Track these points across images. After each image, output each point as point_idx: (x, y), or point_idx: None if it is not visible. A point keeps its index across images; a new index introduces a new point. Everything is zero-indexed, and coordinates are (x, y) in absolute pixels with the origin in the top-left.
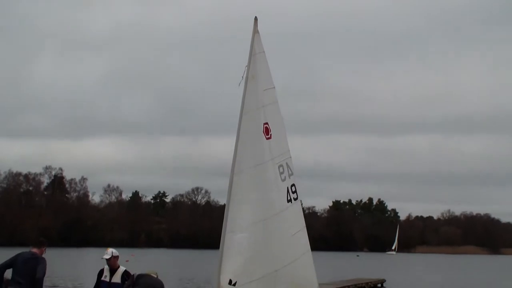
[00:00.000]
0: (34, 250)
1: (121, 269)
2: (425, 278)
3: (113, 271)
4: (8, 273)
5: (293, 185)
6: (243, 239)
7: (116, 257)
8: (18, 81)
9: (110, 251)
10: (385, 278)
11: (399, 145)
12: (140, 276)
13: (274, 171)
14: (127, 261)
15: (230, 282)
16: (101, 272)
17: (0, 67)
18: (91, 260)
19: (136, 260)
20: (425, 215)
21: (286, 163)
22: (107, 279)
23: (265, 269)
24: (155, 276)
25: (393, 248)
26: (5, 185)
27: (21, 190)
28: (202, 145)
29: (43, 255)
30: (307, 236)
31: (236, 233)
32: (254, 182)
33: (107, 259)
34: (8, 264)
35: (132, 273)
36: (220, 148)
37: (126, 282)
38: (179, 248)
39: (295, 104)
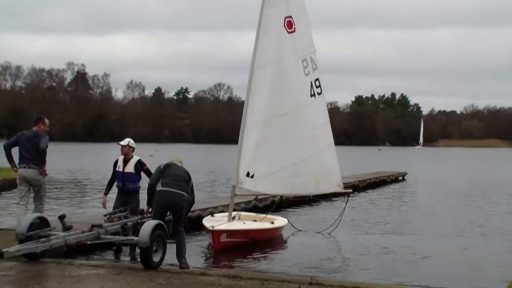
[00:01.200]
0: (34, 128)
1: (135, 158)
2: (446, 171)
3: (126, 161)
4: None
5: (317, 79)
6: (262, 132)
7: (131, 148)
8: None
9: (127, 140)
10: (407, 171)
11: (424, 39)
12: (168, 166)
13: (297, 65)
14: (151, 155)
15: (248, 174)
16: (116, 163)
17: None
18: (116, 154)
19: (160, 155)
20: (448, 110)
21: (310, 57)
22: (121, 169)
23: (284, 162)
24: (180, 164)
25: (419, 142)
26: (28, 81)
27: (45, 86)
28: (225, 40)
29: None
30: (331, 131)
31: (255, 127)
32: (275, 76)
33: (122, 145)
34: (14, 142)
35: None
36: (243, 42)
37: (152, 173)
38: (202, 143)
39: None
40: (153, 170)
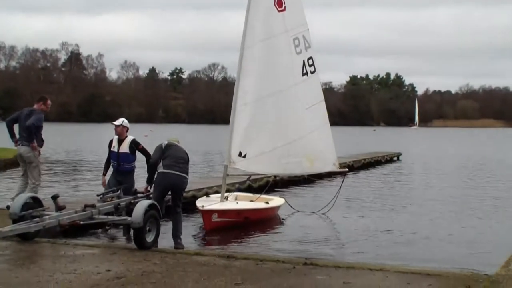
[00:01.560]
0: (35, 106)
1: (129, 138)
2: (441, 151)
3: (121, 141)
4: None
5: (310, 58)
6: (253, 112)
7: (125, 128)
8: None
9: (121, 120)
10: (401, 151)
11: (419, 18)
12: (169, 146)
13: (288, 43)
14: (146, 136)
15: (240, 154)
16: (110, 143)
17: None
18: (111, 134)
19: (155, 135)
20: (443, 90)
21: (303, 36)
22: (116, 149)
23: (276, 142)
24: (179, 144)
25: (415, 122)
26: (22, 61)
27: (39, 66)
28: (220, 19)
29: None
30: (326, 110)
31: (247, 107)
32: (265, 55)
33: (116, 125)
34: (15, 118)
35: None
36: (237, 22)
37: (147, 152)
38: (196, 124)
39: None
40: (149, 150)
